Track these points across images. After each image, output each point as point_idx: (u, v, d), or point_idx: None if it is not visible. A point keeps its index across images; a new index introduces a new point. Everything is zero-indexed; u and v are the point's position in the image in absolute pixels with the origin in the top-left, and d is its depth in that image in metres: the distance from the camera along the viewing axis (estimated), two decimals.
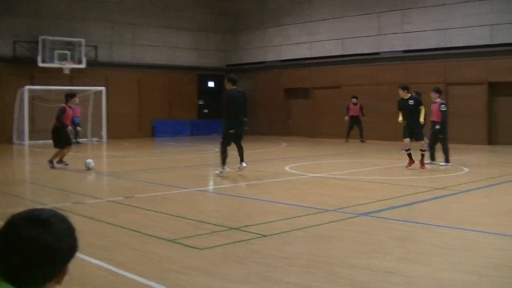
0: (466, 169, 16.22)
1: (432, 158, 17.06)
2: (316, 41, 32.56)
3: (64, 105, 16.90)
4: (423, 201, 11.06)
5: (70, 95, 17.41)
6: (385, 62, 29.30)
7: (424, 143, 16.49)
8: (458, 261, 6.75)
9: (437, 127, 16.54)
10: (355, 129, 28.10)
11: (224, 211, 10.48)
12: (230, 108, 14.83)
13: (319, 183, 14.03)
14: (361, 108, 28.16)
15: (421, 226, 8.73)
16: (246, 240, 7.78)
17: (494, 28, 25.92)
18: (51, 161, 16.80)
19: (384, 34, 29.63)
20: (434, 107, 16.73)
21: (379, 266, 6.50)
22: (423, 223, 8.90)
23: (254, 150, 23.19)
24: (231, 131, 14.87)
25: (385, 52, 29.32)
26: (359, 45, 30.47)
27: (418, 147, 16.18)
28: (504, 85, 25.77)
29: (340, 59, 31.27)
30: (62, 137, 16.74)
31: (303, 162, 18.58)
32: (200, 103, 36.42)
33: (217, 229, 8.46)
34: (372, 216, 9.43)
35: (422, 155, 16.17)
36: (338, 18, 31.45)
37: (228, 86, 15.10)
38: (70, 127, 17.09)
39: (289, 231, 8.35)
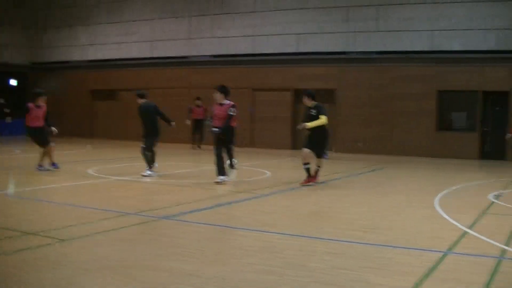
0: (268, 173, 16.64)
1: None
2: (124, 43, 32.06)
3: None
4: (225, 204, 11.18)
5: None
6: (196, 66, 29.50)
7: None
8: (257, 262, 6.86)
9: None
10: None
11: (17, 215, 9.91)
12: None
13: (122, 186, 13.76)
14: (205, 111, 26.13)
15: (223, 229, 8.81)
16: (43, 245, 7.41)
17: (300, 37, 26.96)
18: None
19: (194, 38, 29.81)
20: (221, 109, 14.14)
21: (179, 269, 6.44)
22: (225, 226, 8.99)
23: (58, 151, 22.40)
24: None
25: (194, 56, 29.51)
26: (169, 48, 30.41)
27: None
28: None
29: (149, 61, 31.07)
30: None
31: (108, 165, 18.22)
32: (1, 102, 34.32)
33: (13, 234, 8.00)
34: (175, 219, 9.37)
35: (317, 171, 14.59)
36: (148, 20, 31.20)
37: (139, 100, 15.92)
38: None
39: (89, 235, 8.07)
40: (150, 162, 15.41)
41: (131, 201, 11.37)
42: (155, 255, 7.11)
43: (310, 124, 13.92)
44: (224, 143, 14.03)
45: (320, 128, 14.06)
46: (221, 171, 13.81)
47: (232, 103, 14.04)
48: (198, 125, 26.63)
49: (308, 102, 14.32)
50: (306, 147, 14.23)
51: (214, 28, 29.31)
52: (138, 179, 14.73)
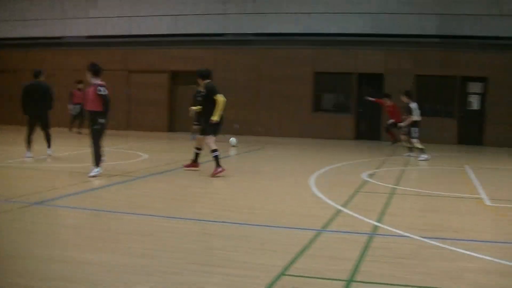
0: (145, 156, 16.40)
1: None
2: None
3: None
4: (100, 188, 10.90)
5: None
6: (70, 47, 28.58)
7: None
8: (132, 245, 6.74)
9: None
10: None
11: None
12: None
13: None
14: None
15: (97, 213, 8.56)
16: None
17: (178, 18, 26.70)
18: None
19: (69, 18, 28.87)
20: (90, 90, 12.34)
21: (50, 256, 6.18)
22: (99, 210, 8.74)
23: None
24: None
25: (69, 37, 28.58)
26: (43, 28, 29.28)
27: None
28: (183, 74, 26.66)
29: (21, 42, 29.81)
30: None
31: None
32: None
33: None
34: (47, 205, 9.00)
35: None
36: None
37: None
38: None
39: None
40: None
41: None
42: (24, 243, 6.81)
43: (215, 117, 12.55)
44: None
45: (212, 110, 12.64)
46: (97, 160, 12.11)
47: (101, 82, 12.21)
48: (81, 109, 24.49)
49: (200, 82, 13.19)
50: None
51: (89, 8, 28.51)
52: (9, 165, 14.10)
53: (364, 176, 13.19)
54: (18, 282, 5.33)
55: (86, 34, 28.39)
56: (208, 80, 13.10)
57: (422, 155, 17.25)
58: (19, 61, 29.08)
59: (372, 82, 24.76)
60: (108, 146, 17.89)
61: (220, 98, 12.59)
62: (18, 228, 7.54)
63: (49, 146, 15.27)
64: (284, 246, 6.78)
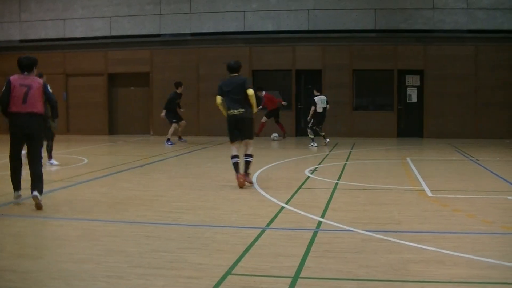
0: (85, 160, 16.19)
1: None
2: None
3: None
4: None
5: None
6: (3, 52, 27.96)
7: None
8: (75, 251, 6.65)
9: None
10: None
11: None
12: None
13: None
14: None
15: (38, 220, 8.40)
16: None
17: (112, 20, 26.43)
18: None
19: (1, 22, 28.28)
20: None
21: None
22: (40, 217, 8.58)
23: None
24: None
25: (1, 41, 27.99)
26: None
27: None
28: (121, 76, 26.45)
29: None
30: None
31: None
32: None
33: None
34: None
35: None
36: None
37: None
38: None
39: None
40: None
41: None
42: None
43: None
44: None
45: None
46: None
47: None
48: None
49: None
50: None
51: (22, 11, 27.97)
52: None
53: (307, 172, 13.28)
54: None
55: (19, 38, 27.85)
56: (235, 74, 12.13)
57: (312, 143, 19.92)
58: None
59: (311, 78, 24.96)
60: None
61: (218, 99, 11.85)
62: None
63: None
64: (229, 246, 6.79)
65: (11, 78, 9.40)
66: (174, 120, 21.56)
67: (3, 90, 9.31)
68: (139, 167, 14.52)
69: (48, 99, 9.62)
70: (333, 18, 24.43)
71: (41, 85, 9.45)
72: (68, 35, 27.25)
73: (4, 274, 5.81)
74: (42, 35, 27.61)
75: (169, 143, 21.13)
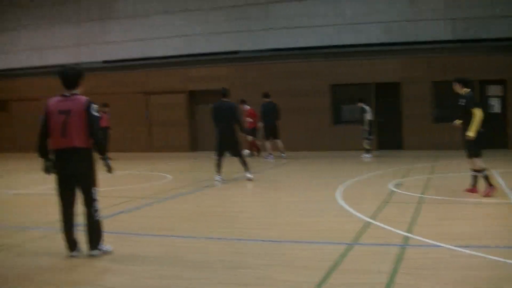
0: (169, 177, 16.39)
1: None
2: (11, 53, 30.90)
3: None
4: (126, 211, 10.86)
5: None
6: (87, 72, 28.62)
7: None
8: (161, 268, 6.71)
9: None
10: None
11: None
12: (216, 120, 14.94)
13: (19, 200, 13.19)
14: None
15: (122, 237, 8.52)
16: None
17: (191, 39, 26.82)
18: None
19: (84, 45, 29.11)
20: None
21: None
22: (125, 233, 8.71)
23: None
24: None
25: (85, 63, 28.75)
26: (59, 55, 29.53)
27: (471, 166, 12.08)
28: (201, 93, 26.76)
29: (39, 70, 30.05)
30: None
31: (3, 179, 17.45)
32: None
33: None
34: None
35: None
36: (34, 28, 30.20)
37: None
38: None
39: None
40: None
41: (31, 215, 10.88)
42: (54, 267, 6.81)
43: (471, 132, 11.50)
44: None
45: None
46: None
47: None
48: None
49: (459, 89, 12.13)
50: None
51: (104, 33, 28.70)
52: (36, 192, 14.11)
53: (391, 186, 13.07)
54: None
55: (102, 59, 28.57)
56: (468, 89, 11.97)
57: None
58: (40, 88, 29.34)
59: (389, 91, 24.64)
60: (132, 169, 18.02)
61: (477, 112, 11.41)
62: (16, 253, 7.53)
63: None
64: (316, 262, 6.70)
65: (49, 102, 7.48)
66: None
67: (41, 119, 7.46)
68: (223, 183, 14.59)
69: (89, 126, 7.26)
70: (411, 29, 24.02)
71: (84, 107, 7.24)
72: (149, 54, 27.77)
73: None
74: (124, 56, 28.23)
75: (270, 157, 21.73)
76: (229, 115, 14.82)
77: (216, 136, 14.96)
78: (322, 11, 25.01)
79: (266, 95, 22.01)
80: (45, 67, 29.61)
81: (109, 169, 7.49)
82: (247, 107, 23.27)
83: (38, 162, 7.44)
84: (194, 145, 27.30)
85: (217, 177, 14.61)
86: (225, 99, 15.16)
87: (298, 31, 25.37)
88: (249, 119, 22.79)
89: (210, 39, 26.62)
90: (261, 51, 25.96)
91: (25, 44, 30.39)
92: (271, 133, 21.77)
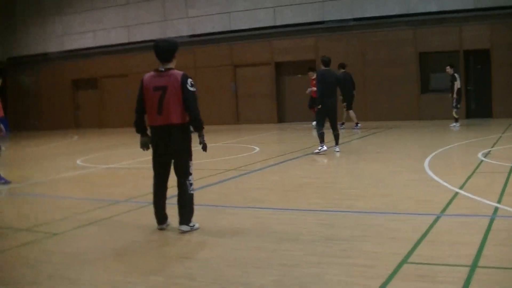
0: (257, 149, 16.59)
1: None
2: (100, 30, 31.74)
3: None
4: (215, 183, 11.08)
5: None
6: None
7: None
8: (250, 239, 6.86)
9: None
10: None
11: (9, 212, 9.80)
12: (320, 87, 14.63)
13: (110, 174, 13.69)
14: None
15: (214, 209, 8.74)
16: (36, 240, 7.34)
17: (276, 10, 26.84)
18: None
19: (169, 20, 29.60)
20: None
21: (168, 252, 6.40)
22: (215, 206, 8.93)
23: (44, 145, 22.36)
24: (319, 107, 14.60)
25: (169, 37, 29.20)
26: (145, 31, 30.15)
27: None
28: (288, 64, 26.83)
29: (127, 46, 30.79)
30: None
31: (95, 154, 18.06)
32: None
33: (5, 232, 7.91)
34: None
35: None
36: (122, 5, 30.89)
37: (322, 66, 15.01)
38: None
39: (81, 226, 8.00)
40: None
41: (120, 188, 11.30)
42: (148, 240, 7.10)
43: None
44: None
45: None
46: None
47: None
48: None
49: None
50: None
51: (188, 8, 29.08)
52: (125, 166, 14.60)
53: (480, 155, 12.86)
54: None
55: (188, 34, 28.97)
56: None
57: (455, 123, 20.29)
58: (128, 65, 30.12)
59: (479, 58, 24.06)
60: (220, 141, 18.33)
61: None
62: (138, 225, 7.83)
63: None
64: (403, 233, 6.71)
65: (144, 78, 7.40)
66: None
67: (137, 94, 7.45)
68: (310, 154, 14.67)
69: (185, 102, 7.18)
70: None
71: (180, 83, 7.14)
72: (234, 27, 27.99)
73: (184, 261, 6.15)
74: (209, 29, 28.56)
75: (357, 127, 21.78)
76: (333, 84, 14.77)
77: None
78: None
79: (342, 66, 21.69)
80: (132, 43, 30.33)
81: (204, 148, 7.41)
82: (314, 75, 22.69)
83: (128, 137, 7.70)
84: (281, 117, 27.46)
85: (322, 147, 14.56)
86: (327, 68, 14.91)
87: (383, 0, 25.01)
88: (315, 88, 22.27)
89: (295, 10, 26.59)
90: (345, 20, 25.75)
91: (113, 22, 31.14)
92: (350, 103, 21.58)
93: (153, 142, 7.40)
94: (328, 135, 14.84)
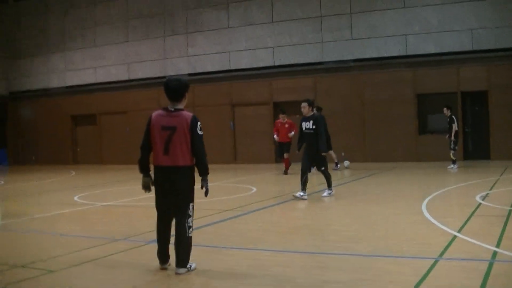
0: (254, 189, 16.57)
1: None
2: (101, 66, 31.94)
3: None
4: (212, 223, 11.03)
5: None
6: None
7: None
8: (246, 281, 6.79)
9: None
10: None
11: (5, 248, 9.73)
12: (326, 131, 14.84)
13: (108, 212, 13.61)
14: None
15: (208, 249, 8.68)
16: (32, 277, 7.28)
17: (276, 50, 27.05)
18: None
19: (170, 58, 29.80)
20: None
21: None
22: (212, 246, 8.88)
23: (42, 180, 22.31)
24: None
25: (170, 75, 29.37)
26: (145, 69, 30.35)
27: None
28: (286, 104, 26.89)
29: (127, 83, 30.97)
30: None
31: (92, 191, 18.02)
32: None
33: (1, 268, 7.84)
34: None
35: None
36: (123, 42, 31.12)
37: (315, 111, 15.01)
38: None
39: (78, 264, 7.94)
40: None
41: (117, 226, 11.25)
42: (146, 281, 7.05)
43: None
44: None
45: None
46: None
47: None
48: None
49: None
50: None
51: (188, 46, 29.30)
52: (123, 204, 14.58)
53: (478, 198, 12.85)
54: None
55: (188, 72, 29.12)
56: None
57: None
58: (128, 101, 30.28)
59: (476, 100, 24.20)
60: (217, 180, 18.31)
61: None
62: (134, 264, 7.79)
63: None
64: (402, 277, 6.66)
65: (153, 115, 7.34)
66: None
67: (144, 131, 7.37)
68: (308, 195, 14.63)
69: (193, 145, 7.20)
70: (498, 36, 23.50)
71: (189, 126, 7.12)
72: (234, 66, 28.18)
73: None
74: (209, 68, 28.74)
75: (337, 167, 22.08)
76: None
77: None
78: (405, 20, 24.79)
79: (319, 108, 21.20)
80: (132, 80, 30.54)
81: (206, 193, 7.38)
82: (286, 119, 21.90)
83: (125, 174, 7.70)
84: (279, 157, 27.45)
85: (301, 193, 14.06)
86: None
87: (383, 40, 25.23)
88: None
89: (295, 50, 26.79)
90: (344, 61, 25.94)
91: (114, 59, 31.36)
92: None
93: (157, 182, 7.29)
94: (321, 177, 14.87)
